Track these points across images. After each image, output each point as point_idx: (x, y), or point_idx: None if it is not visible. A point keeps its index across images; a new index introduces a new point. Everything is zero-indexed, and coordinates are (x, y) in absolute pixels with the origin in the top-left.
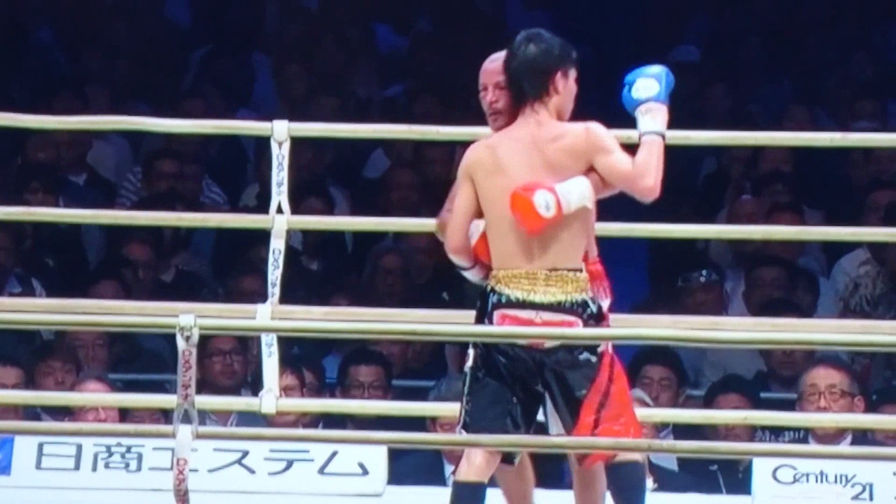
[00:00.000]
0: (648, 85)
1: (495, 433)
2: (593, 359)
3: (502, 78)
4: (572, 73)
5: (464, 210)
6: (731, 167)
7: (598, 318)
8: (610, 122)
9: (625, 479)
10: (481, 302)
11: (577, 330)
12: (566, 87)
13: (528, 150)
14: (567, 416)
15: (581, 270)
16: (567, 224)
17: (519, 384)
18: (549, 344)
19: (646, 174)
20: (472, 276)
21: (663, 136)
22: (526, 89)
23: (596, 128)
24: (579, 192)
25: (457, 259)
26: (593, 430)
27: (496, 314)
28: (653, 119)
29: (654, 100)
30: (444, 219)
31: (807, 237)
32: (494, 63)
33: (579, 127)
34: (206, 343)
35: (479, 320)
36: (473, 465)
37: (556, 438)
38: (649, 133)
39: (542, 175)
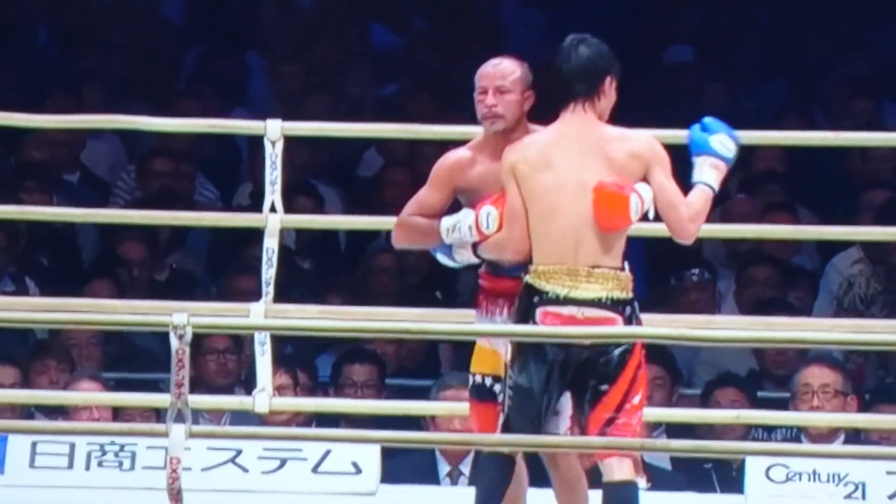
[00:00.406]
0: (729, 146)
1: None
2: (625, 356)
3: (505, 82)
4: (616, 80)
5: (521, 212)
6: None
7: (637, 318)
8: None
9: (618, 500)
10: (523, 299)
11: (580, 329)
12: (611, 92)
13: (584, 147)
14: (583, 410)
15: (623, 269)
16: None
17: (554, 379)
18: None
19: (696, 219)
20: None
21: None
22: (578, 89)
23: (657, 141)
24: (650, 199)
25: (509, 257)
26: (604, 426)
27: (538, 312)
28: (717, 176)
29: (726, 161)
30: (408, 221)
31: (801, 236)
32: (497, 67)
33: (644, 134)
34: (201, 342)
35: (522, 318)
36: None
37: (550, 438)
38: (708, 186)
39: (600, 172)
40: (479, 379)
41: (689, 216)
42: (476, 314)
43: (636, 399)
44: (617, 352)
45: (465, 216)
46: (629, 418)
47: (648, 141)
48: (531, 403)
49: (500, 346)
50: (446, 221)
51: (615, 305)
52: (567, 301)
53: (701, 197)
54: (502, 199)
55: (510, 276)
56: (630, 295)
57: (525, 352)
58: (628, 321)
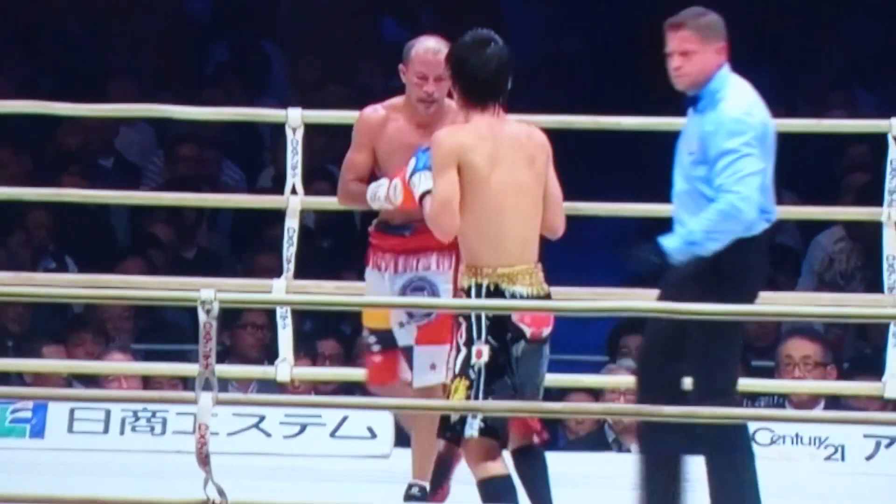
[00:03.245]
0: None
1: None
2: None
3: (443, 70)
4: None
5: (456, 199)
6: None
7: None
8: (601, 112)
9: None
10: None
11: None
12: None
13: (514, 148)
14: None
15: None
16: (538, 219)
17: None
18: (545, 333)
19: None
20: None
21: None
22: (498, 90)
23: None
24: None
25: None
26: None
27: (514, 314)
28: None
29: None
30: (346, 188)
31: (785, 216)
32: (437, 56)
33: (536, 128)
34: (240, 315)
35: (496, 322)
36: (499, 462)
37: (553, 404)
38: None
39: (528, 172)
40: (365, 335)
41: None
42: (367, 269)
43: None
44: (546, 348)
45: (381, 186)
46: None
47: (541, 133)
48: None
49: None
50: (369, 191)
51: (549, 298)
52: (534, 299)
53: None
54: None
55: (396, 234)
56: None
57: (502, 347)
58: None
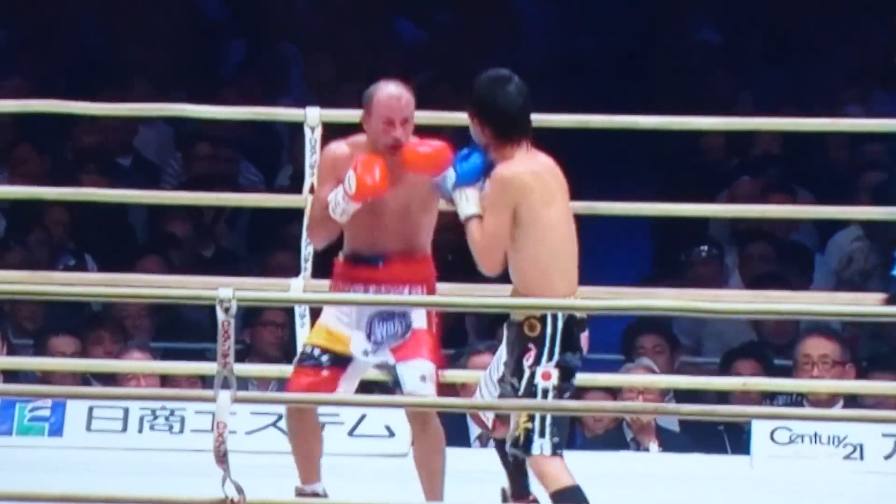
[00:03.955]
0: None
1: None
2: None
3: (409, 114)
4: None
5: (507, 237)
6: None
7: None
8: (615, 111)
9: None
10: (568, 328)
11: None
12: None
13: (558, 179)
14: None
15: None
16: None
17: None
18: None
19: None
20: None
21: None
22: (527, 127)
23: None
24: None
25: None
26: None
27: (582, 337)
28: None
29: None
30: (311, 218)
31: (802, 216)
32: (402, 100)
33: None
34: (260, 314)
35: (569, 346)
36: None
37: (571, 403)
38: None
39: (567, 201)
40: (308, 349)
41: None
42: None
43: None
44: None
45: (340, 185)
46: None
47: None
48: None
49: (352, 331)
50: (330, 205)
51: None
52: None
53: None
54: (364, 161)
55: (368, 265)
56: None
57: (570, 370)
58: None
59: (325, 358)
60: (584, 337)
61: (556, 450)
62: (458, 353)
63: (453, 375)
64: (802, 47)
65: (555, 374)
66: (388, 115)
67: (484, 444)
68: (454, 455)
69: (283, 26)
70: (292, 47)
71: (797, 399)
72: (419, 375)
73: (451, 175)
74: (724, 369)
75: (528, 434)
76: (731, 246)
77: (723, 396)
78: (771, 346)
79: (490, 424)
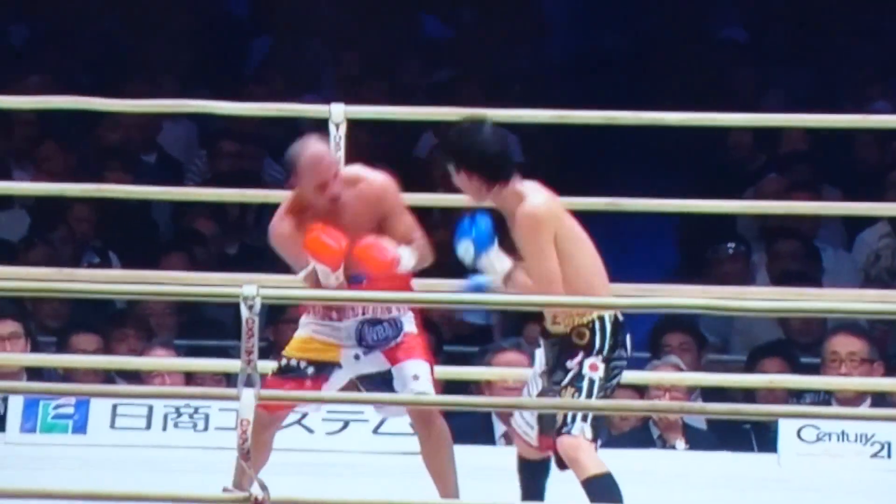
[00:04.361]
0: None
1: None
2: None
3: (335, 168)
4: None
5: (558, 267)
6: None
7: None
8: (640, 107)
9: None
10: (615, 335)
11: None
12: None
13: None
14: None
15: None
16: None
17: None
18: None
19: None
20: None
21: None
22: (514, 163)
23: None
24: None
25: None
26: None
27: (629, 337)
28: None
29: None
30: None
31: (829, 212)
32: (324, 160)
33: None
34: (284, 311)
35: (614, 349)
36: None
37: (598, 401)
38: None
39: None
40: (294, 362)
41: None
42: (306, 318)
43: None
44: None
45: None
46: None
47: None
48: None
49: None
50: (321, 279)
51: None
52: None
53: None
54: (313, 244)
55: (350, 284)
56: None
57: (616, 363)
58: None
59: (310, 370)
60: (629, 338)
61: (595, 437)
62: (483, 351)
63: (479, 373)
64: (830, 44)
65: (601, 367)
66: (320, 178)
67: (510, 442)
68: (479, 452)
69: (308, 23)
70: (317, 44)
71: (825, 397)
72: (412, 375)
73: (465, 248)
74: (751, 367)
75: (572, 416)
76: (759, 243)
77: (749, 394)
78: (798, 344)
79: (535, 443)
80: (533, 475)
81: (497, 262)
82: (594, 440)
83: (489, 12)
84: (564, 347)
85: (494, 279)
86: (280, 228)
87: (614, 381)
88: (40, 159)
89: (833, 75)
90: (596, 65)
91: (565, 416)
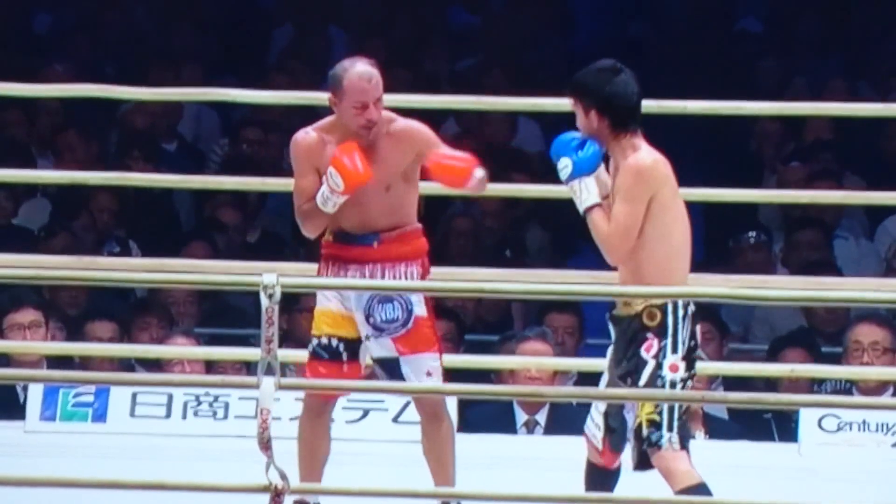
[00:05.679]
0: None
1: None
2: None
3: (379, 94)
4: None
5: (638, 228)
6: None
7: None
8: (666, 96)
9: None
10: (692, 322)
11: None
12: None
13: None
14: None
15: None
16: None
17: None
18: None
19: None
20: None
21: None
22: (640, 117)
23: None
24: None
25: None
26: None
27: (698, 327)
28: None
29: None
30: (301, 210)
31: (851, 201)
32: (372, 81)
33: None
34: (298, 300)
35: (693, 336)
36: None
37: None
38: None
39: None
40: (326, 340)
41: None
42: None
43: None
44: None
45: (325, 182)
46: None
47: None
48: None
49: (355, 311)
50: (318, 198)
51: None
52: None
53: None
54: (342, 152)
55: (361, 244)
56: None
57: (693, 361)
58: None
59: (342, 348)
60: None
61: (685, 443)
62: (504, 339)
63: (501, 362)
64: (854, 34)
65: (682, 366)
66: (360, 98)
67: (530, 431)
68: (500, 441)
69: (331, 11)
70: (340, 32)
71: (846, 386)
72: (425, 371)
73: (564, 165)
74: (772, 357)
75: (657, 427)
76: (781, 232)
77: (771, 383)
78: (820, 334)
79: (600, 447)
80: (602, 483)
81: (587, 190)
82: (683, 447)
83: (515, 1)
84: (638, 329)
85: (578, 206)
86: (306, 137)
87: (690, 378)
88: (63, 148)
89: (859, 65)
90: (621, 54)
91: (646, 429)
